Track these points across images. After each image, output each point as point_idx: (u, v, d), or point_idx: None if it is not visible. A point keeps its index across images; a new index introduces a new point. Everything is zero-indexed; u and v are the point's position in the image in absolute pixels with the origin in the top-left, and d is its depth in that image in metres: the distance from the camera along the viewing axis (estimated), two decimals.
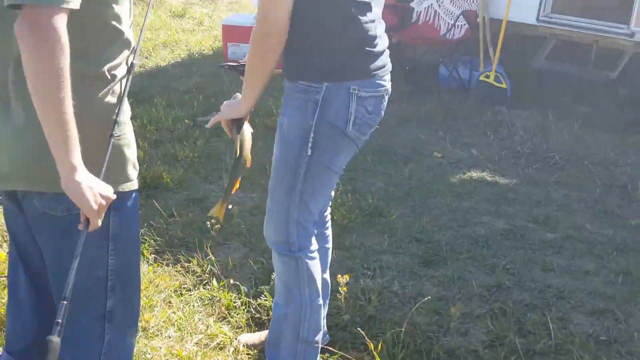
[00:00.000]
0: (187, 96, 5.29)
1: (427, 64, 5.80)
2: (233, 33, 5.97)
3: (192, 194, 3.77)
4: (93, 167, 1.52)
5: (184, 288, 2.87)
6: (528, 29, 5.55)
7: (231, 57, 5.97)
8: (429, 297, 2.78)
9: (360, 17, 2.02)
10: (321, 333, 2.37)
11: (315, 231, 2.40)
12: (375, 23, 2.09)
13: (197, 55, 6.35)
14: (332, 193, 2.38)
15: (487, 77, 5.34)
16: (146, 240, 3.21)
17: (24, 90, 1.41)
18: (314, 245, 2.28)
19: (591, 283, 2.98)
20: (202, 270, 3.00)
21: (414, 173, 4.11)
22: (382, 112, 2.20)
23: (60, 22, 1.37)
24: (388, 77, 2.17)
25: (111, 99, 1.62)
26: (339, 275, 2.70)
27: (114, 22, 1.59)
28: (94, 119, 1.58)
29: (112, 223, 1.67)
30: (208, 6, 8.16)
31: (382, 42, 2.14)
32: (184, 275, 2.97)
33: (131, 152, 1.71)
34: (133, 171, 1.72)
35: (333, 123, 2.05)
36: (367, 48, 2.05)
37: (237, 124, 2.17)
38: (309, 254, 2.26)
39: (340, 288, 2.69)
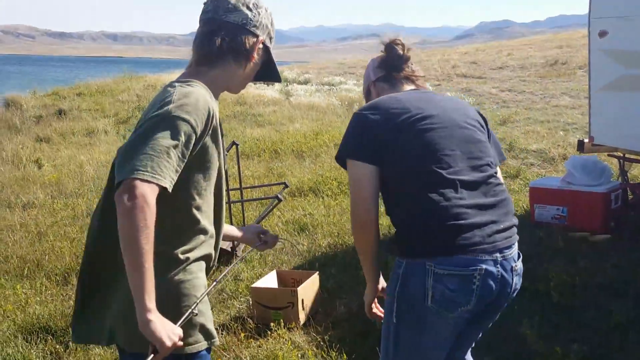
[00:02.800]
0: None
1: None
2: (540, 195, 6.19)
3: None
4: None
5: None
6: None
7: (537, 218, 6.15)
8: None
9: (437, 197, 2.27)
10: None
11: None
12: (464, 200, 2.29)
13: None
14: None
15: None
16: None
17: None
18: None
19: None
20: None
21: None
22: (481, 294, 2.27)
23: (149, 191, 1.83)
24: (491, 257, 2.26)
25: (183, 276, 2.08)
26: None
27: (194, 211, 2.10)
28: (165, 290, 2.01)
29: None
30: (547, 167, 8.45)
31: (475, 219, 2.28)
32: None
33: (200, 319, 2.11)
34: (201, 334, 2.11)
35: (412, 296, 2.30)
36: (442, 225, 2.25)
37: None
38: None
39: None
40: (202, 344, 2.13)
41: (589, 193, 5.96)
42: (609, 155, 6.75)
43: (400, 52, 2.66)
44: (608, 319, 4.24)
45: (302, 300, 4.66)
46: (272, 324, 4.48)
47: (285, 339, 4.31)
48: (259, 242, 2.62)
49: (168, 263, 2.07)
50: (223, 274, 2.30)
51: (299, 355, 4.10)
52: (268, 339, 4.35)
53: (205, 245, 2.17)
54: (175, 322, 1.93)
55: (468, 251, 2.23)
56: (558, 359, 3.66)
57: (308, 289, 4.80)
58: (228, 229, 2.58)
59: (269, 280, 5.06)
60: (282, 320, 4.50)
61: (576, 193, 6.01)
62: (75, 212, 7.64)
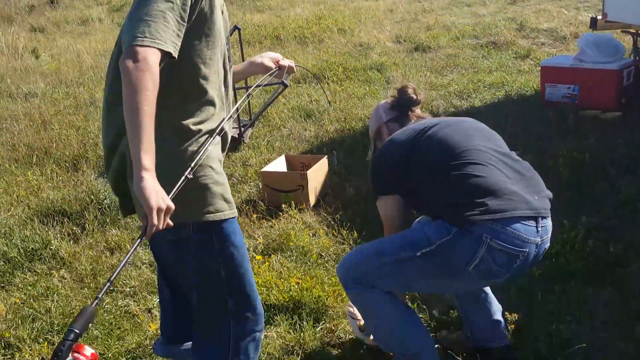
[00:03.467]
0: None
1: None
2: (551, 74, 6.17)
3: None
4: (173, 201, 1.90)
5: None
6: None
7: (548, 98, 6.17)
8: None
9: (464, 174, 2.43)
10: None
11: None
12: (498, 168, 2.47)
13: (514, 95, 6.68)
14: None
15: None
16: None
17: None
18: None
19: None
20: None
21: None
22: (515, 273, 2.44)
23: (151, 55, 1.87)
24: (534, 240, 2.40)
25: (197, 147, 2.09)
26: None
27: (201, 81, 2.10)
28: (175, 162, 2.05)
29: (215, 243, 2.16)
30: (558, 46, 8.35)
31: (511, 186, 2.43)
32: None
33: (218, 188, 2.15)
34: (222, 203, 2.16)
35: (454, 256, 2.40)
36: (486, 191, 2.39)
37: None
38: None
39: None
40: (227, 213, 2.19)
41: (601, 70, 5.93)
42: (622, 32, 6.68)
43: (412, 95, 2.85)
44: (617, 194, 4.34)
45: (312, 183, 4.76)
46: (282, 206, 4.60)
47: (297, 219, 4.44)
48: (276, 67, 2.62)
49: (180, 134, 2.10)
50: (223, 122, 2.23)
51: (311, 234, 4.23)
52: (280, 220, 4.48)
53: (216, 118, 2.19)
54: (190, 194, 1.98)
55: (512, 217, 2.35)
56: (565, 231, 3.76)
57: (317, 172, 4.90)
58: (242, 65, 2.63)
59: (278, 165, 5.15)
60: (292, 202, 4.62)
61: (588, 71, 5.99)
62: (77, 101, 7.65)
